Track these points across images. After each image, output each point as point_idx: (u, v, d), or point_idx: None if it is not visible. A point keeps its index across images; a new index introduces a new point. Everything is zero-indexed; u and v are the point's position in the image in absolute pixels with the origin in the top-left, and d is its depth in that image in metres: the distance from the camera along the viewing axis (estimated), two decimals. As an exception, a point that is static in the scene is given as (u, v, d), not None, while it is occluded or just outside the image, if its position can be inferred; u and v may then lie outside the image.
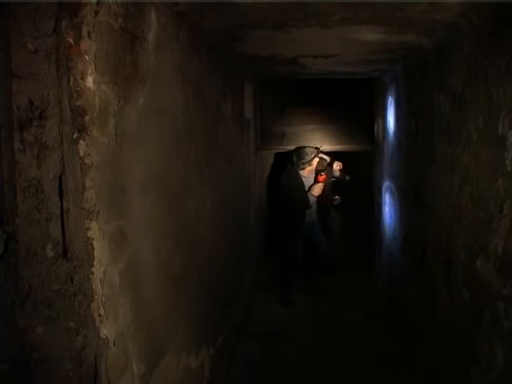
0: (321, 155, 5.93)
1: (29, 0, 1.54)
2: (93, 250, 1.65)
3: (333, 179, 6.07)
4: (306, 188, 5.98)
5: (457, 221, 2.91)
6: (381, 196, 5.62)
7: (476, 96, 2.61)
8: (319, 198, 6.01)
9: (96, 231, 1.66)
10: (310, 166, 5.87)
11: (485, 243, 2.48)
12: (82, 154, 1.60)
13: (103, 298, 1.72)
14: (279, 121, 6.96)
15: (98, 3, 1.63)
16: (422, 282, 3.81)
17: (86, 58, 1.59)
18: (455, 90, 2.95)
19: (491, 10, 2.36)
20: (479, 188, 2.56)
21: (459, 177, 2.87)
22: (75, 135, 1.59)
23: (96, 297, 1.68)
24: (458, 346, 2.91)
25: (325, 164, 5.99)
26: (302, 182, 5.95)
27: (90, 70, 1.61)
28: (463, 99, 2.80)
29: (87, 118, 1.60)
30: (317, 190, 5.92)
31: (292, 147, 6.14)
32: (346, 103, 7.17)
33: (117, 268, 1.84)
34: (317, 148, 5.92)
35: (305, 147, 5.92)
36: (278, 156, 7.11)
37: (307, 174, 5.96)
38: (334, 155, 6.13)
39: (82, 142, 1.59)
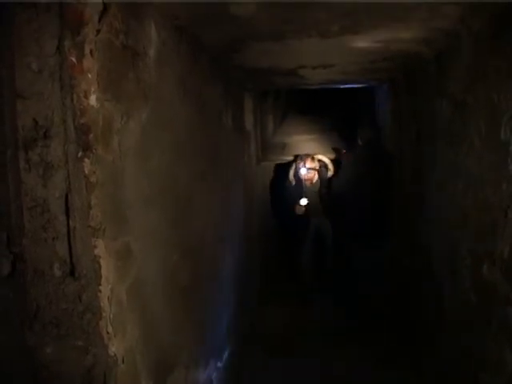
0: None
1: (31, 19, 1.55)
2: (100, 268, 1.64)
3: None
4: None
5: (462, 226, 2.91)
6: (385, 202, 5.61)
7: (477, 102, 2.62)
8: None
9: (102, 249, 1.66)
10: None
11: (491, 248, 2.47)
12: (87, 172, 1.60)
13: (111, 316, 1.71)
14: (279, 131, 6.97)
15: (99, 21, 1.64)
16: (428, 288, 3.80)
17: (89, 76, 1.60)
18: (456, 96, 2.96)
19: (490, 16, 2.37)
20: (483, 193, 2.55)
21: (462, 182, 2.87)
22: (80, 154, 1.59)
23: (104, 314, 1.67)
24: (467, 352, 2.90)
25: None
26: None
27: (92, 88, 1.61)
28: (464, 105, 2.81)
29: (91, 136, 1.60)
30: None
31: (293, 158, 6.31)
32: (347, 111, 7.20)
33: (124, 285, 1.83)
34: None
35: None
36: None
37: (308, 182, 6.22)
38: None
39: (86, 160, 1.59)
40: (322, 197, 6.23)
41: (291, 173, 6.23)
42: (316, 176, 6.19)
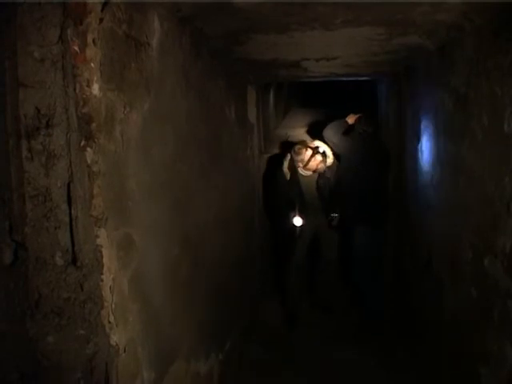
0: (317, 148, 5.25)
1: (34, 8, 1.55)
2: (102, 257, 1.65)
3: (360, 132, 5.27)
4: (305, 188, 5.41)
5: (463, 220, 2.90)
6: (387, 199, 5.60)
7: (480, 95, 2.61)
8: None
9: (105, 238, 1.66)
10: (302, 162, 5.24)
11: (492, 242, 2.47)
12: (89, 161, 1.60)
13: (113, 305, 1.71)
14: (282, 124, 6.96)
15: (102, 10, 1.63)
16: (428, 283, 3.80)
17: (92, 65, 1.60)
18: (458, 90, 2.94)
19: (494, 10, 2.36)
20: (485, 187, 2.55)
21: (464, 176, 2.86)
22: (82, 143, 1.59)
23: (106, 304, 1.68)
24: (467, 346, 2.90)
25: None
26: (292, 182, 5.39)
27: (95, 78, 1.62)
28: (467, 99, 2.80)
29: (94, 125, 1.60)
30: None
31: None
32: (349, 103, 7.18)
33: (125, 275, 1.84)
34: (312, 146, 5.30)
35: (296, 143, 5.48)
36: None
37: (306, 170, 5.34)
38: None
39: (89, 149, 1.60)
40: (320, 189, 5.40)
41: (285, 165, 5.41)
42: (318, 163, 5.26)
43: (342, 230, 5.54)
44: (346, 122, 5.31)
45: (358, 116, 5.33)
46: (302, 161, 5.21)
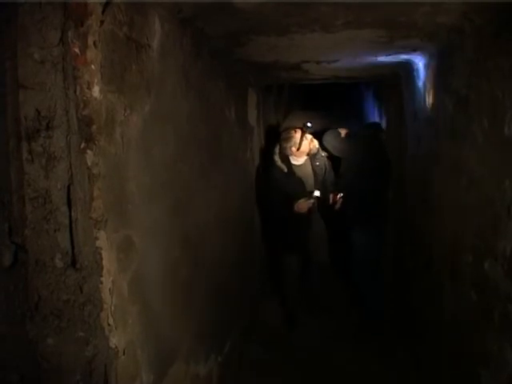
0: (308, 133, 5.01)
1: (35, 9, 1.55)
2: (101, 259, 1.64)
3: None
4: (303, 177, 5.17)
5: (463, 223, 2.90)
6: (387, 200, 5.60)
7: (480, 97, 2.60)
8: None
9: (104, 241, 1.66)
10: (295, 146, 4.99)
11: (493, 245, 2.47)
12: (89, 163, 1.60)
13: (112, 308, 1.71)
14: (282, 126, 6.95)
15: (103, 12, 1.63)
16: (428, 283, 3.80)
17: (92, 67, 1.60)
18: (459, 92, 2.94)
19: (494, 10, 2.35)
20: (486, 190, 2.54)
21: (465, 178, 2.85)
22: (82, 145, 1.59)
23: (105, 306, 1.68)
24: (467, 347, 2.89)
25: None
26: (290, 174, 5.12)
27: (96, 80, 1.61)
28: (467, 101, 2.79)
29: (94, 127, 1.60)
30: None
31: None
32: (350, 106, 7.18)
33: (125, 277, 1.84)
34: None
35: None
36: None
37: (299, 155, 5.13)
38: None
39: (89, 151, 1.60)
40: (317, 175, 5.22)
41: (277, 158, 5.14)
42: (309, 142, 5.05)
43: (339, 228, 5.52)
44: (340, 132, 5.26)
45: (346, 131, 5.25)
46: (294, 144, 4.96)
